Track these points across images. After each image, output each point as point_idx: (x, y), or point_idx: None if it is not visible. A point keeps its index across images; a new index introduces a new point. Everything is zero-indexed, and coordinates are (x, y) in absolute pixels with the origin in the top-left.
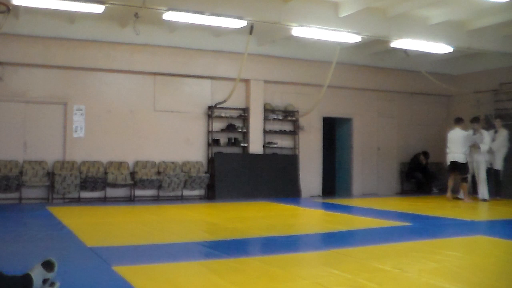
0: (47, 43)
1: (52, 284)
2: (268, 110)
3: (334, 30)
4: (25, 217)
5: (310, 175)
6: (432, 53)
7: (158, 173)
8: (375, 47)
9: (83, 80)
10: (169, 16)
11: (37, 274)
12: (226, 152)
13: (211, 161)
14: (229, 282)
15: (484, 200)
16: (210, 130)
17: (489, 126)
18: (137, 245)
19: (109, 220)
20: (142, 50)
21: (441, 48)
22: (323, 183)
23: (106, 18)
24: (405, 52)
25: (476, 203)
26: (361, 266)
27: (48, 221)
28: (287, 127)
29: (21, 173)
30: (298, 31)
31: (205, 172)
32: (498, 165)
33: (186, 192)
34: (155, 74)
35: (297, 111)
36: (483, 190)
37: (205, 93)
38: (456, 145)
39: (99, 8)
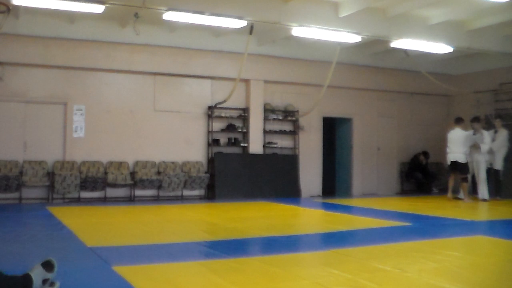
0: (47, 43)
1: (52, 284)
2: (268, 110)
3: (334, 30)
4: (25, 217)
5: (310, 175)
6: (432, 53)
7: (158, 173)
8: (375, 47)
9: (83, 80)
10: (169, 16)
11: (37, 274)
12: (226, 152)
13: (211, 161)
14: (229, 282)
15: (484, 200)
16: (210, 130)
17: (489, 126)
18: (137, 245)
19: (109, 220)
20: (142, 50)
21: (441, 48)
22: (323, 183)
23: (106, 18)
24: (405, 52)
25: (476, 203)
26: (361, 266)
27: (48, 221)
28: (287, 127)
29: (21, 173)
30: (298, 31)
31: (205, 172)
32: (498, 165)
33: (186, 192)
34: (155, 74)
35: (297, 111)
36: (483, 190)
37: (205, 93)
38: (456, 145)
39: (99, 8)
